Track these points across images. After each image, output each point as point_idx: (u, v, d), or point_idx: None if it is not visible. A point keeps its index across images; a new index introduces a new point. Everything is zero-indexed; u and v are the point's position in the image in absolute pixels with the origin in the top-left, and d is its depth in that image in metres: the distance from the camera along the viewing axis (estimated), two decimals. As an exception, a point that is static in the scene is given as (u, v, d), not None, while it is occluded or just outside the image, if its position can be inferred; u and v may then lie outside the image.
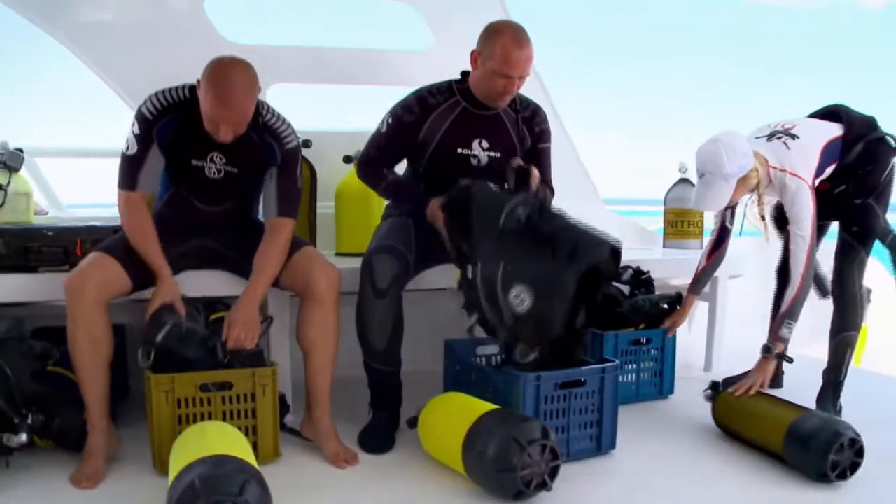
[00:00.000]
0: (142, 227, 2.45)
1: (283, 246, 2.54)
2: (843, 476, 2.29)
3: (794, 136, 2.78)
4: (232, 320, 2.40)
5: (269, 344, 2.48)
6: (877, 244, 2.90)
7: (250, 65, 2.38)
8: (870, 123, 2.87)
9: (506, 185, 2.65)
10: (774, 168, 2.73)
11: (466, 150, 2.76)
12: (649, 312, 3.12)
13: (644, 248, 3.99)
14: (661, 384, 3.09)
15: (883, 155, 2.83)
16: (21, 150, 3.07)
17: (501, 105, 2.74)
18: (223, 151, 2.49)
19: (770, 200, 2.86)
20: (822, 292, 3.06)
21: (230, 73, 2.32)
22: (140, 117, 2.42)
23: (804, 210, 2.68)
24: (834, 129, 2.83)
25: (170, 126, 2.42)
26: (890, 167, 2.86)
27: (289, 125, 2.55)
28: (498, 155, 2.79)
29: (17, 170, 3.06)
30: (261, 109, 2.48)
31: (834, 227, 3.00)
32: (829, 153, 2.79)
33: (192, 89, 2.42)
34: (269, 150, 2.52)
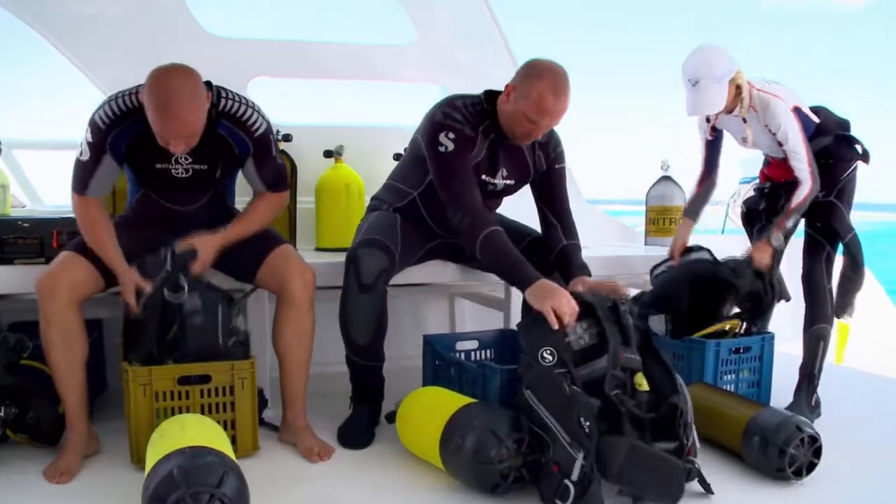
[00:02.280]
0: (94, 229, 2.43)
1: (272, 207, 2.62)
2: (798, 474, 2.30)
3: (772, 83, 2.95)
4: (197, 241, 2.44)
5: (249, 339, 2.50)
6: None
7: (190, 69, 2.31)
8: (842, 124, 3.02)
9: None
10: (759, 90, 2.88)
11: (490, 177, 2.72)
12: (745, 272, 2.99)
13: (625, 245, 4.03)
14: (758, 394, 2.96)
15: (845, 152, 2.97)
16: (-1, 142, 3.05)
17: (524, 143, 2.68)
18: (188, 151, 2.41)
19: (754, 133, 2.95)
20: (780, 296, 3.12)
21: (168, 82, 2.24)
22: (93, 126, 2.38)
23: (789, 124, 2.84)
24: (807, 108, 2.98)
25: (125, 135, 2.38)
26: (851, 168, 2.98)
27: (254, 110, 2.48)
28: (513, 182, 2.77)
29: (-8, 162, 3.05)
30: (219, 99, 2.43)
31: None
32: (801, 119, 2.90)
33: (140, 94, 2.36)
34: (238, 141, 2.49)
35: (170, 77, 2.25)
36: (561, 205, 2.83)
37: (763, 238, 2.93)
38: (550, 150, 2.80)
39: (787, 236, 2.95)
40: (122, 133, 2.37)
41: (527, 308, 2.42)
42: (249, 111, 2.47)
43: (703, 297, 3.02)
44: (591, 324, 2.32)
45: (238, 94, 2.49)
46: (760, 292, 2.95)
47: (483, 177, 2.69)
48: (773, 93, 2.87)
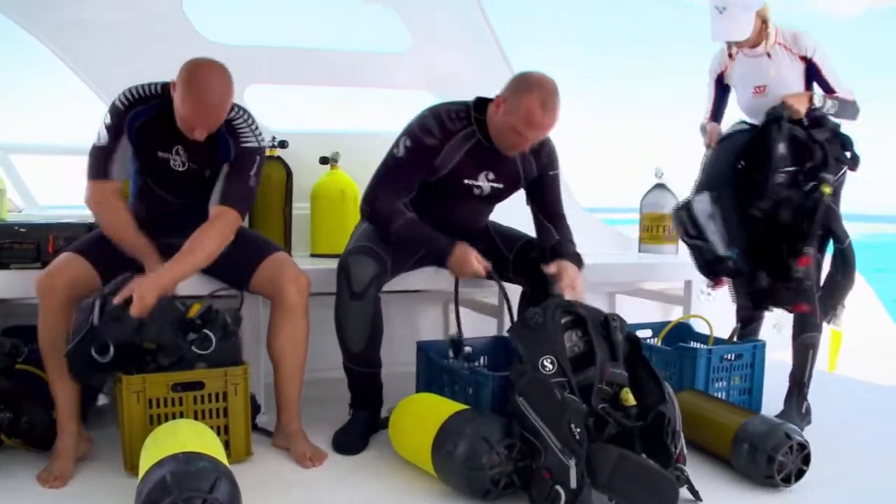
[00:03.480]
0: (116, 216, 2.48)
1: (220, 231, 2.48)
2: (787, 481, 2.32)
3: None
4: (136, 283, 2.32)
5: (241, 344, 2.51)
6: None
7: (226, 67, 2.42)
8: (838, 125, 2.99)
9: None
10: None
11: (473, 181, 2.75)
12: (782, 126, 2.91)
13: (620, 252, 4.05)
14: (750, 401, 2.95)
15: (838, 150, 2.94)
16: (-4, 147, 3.07)
17: (510, 154, 2.72)
18: (185, 146, 2.51)
19: (777, 69, 2.96)
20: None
21: (208, 76, 2.37)
22: (113, 109, 2.47)
23: (822, 45, 2.92)
24: None
25: (140, 116, 2.47)
26: (842, 172, 2.96)
27: (251, 125, 2.56)
28: (501, 186, 2.80)
29: (-10, 167, 3.07)
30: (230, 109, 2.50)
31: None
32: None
33: (165, 86, 2.47)
34: (223, 145, 2.53)
35: (210, 68, 2.39)
36: (555, 209, 2.87)
37: (808, 91, 2.94)
38: (543, 157, 2.82)
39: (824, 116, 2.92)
40: (137, 115, 2.47)
41: (521, 312, 2.45)
42: (243, 122, 2.55)
43: (747, 169, 2.97)
44: (583, 334, 2.33)
45: (243, 108, 2.56)
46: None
47: (465, 181, 2.74)
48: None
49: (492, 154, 2.72)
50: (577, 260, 2.73)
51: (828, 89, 2.94)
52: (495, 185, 2.79)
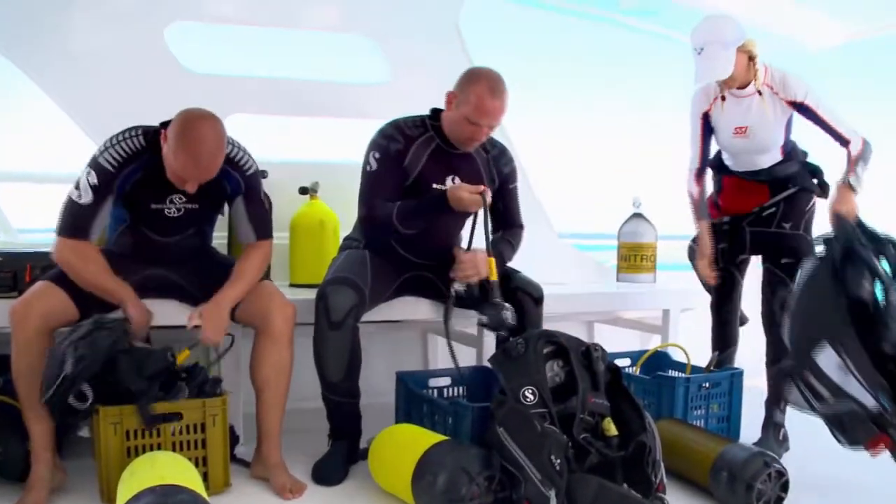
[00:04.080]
0: (90, 267, 2.44)
1: (263, 260, 2.66)
2: None
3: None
4: (203, 314, 2.46)
5: (220, 371, 2.50)
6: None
7: (219, 120, 2.44)
8: (805, 154, 3.02)
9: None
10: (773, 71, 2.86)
11: (441, 185, 2.80)
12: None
13: (597, 281, 4.08)
14: (728, 428, 2.98)
15: (808, 183, 2.96)
16: (-27, 177, 3.05)
17: (469, 149, 2.82)
18: (184, 192, 2.51)
19: (767, 111, 2.87)
20: (741, 321, 3.16)
21: (202, 131, 2.37)
22: (99, 169, 2.43)
23: (813, 87, 2.82)
24: None
25: (132, 175, 2.46)
26: (812, 202, 2.97)
27: (246, 152, 2.62)
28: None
29: (-33, 197, 3.05)
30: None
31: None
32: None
33: (149, 136, 2.46)
34: (231, 180, 2.58)
35: (204, 124, 2.39)
36: (513, 219, 3.00)
37: (843, 186, 2.75)
38: (504, 166, 2.95)
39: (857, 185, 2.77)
40: (129, 174, 2.46)
41: (502, 341, 2.47)
42: (241, 153, 2.60)
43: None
44: (564, 363, 2.35)
45: (231, 139, 2.57)
46: None
47: (434, 185, 2.80)
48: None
49: (454, 157, 2.82)
50: (499, 258, 2.76)
51: (828, 130, 2.85)
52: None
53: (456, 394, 2.89)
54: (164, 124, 2.44)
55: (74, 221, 2.45)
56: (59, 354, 2.24)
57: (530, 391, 2.25)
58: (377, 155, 2.76)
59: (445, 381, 2.90)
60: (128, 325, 2.39)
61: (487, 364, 2.56)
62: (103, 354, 2.26)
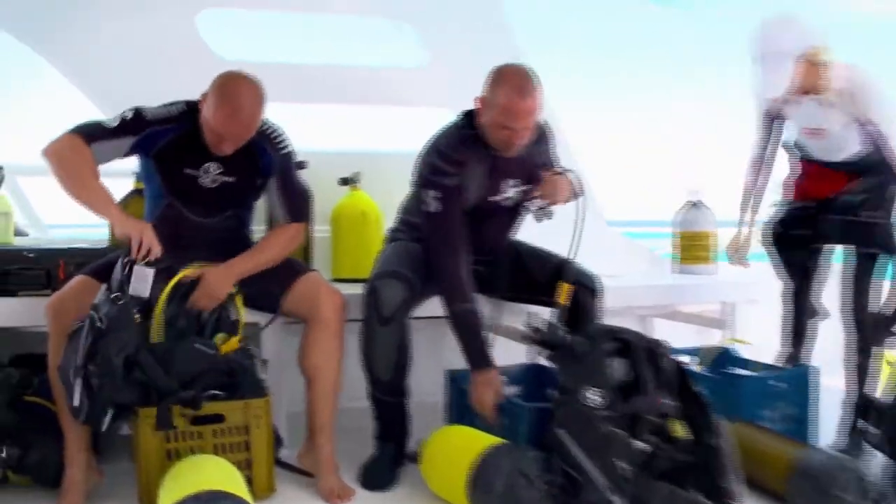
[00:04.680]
0: (82, 167, 2.42)
1: (289, 240, 2.65)
2: None
3: None
4: (205, 272, 2.43)
5: (265, 369, 2.45)
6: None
7: (258, 81, 2.47)
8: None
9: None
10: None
11: (496, 195, 2.73)
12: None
13: (651, 272, 3.98)
14: (801, 431, 2.83)
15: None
16: (1, 168, 3.05)
17: (511, 154, 2.64)
18: (219, 160, 2.53)
19: (839, 122, 2.73)
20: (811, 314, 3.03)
21: (241, 89, 2.42)
22: (136, 112, 2.48)
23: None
24: None
25: (166, 134, 2.49)
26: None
27: (282, 133, 2.64)
28: (528, 187, 2.77)
29: (-4, 188, 3.01)
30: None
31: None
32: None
33: (190, 104, 2.51)
34: (265, 157, 2.60)
35: (243, 80, 2.46)
36: None
37: None
38: (545, 144, 2.81)
39: None
40: (159, 133, 2.49)
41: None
42: (277, 131, 2.63)
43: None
44: (628, 361, 2.25)
45: (265, 118, 2.58)
46: None
47: (489, 198, 2.71)
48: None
49: (505, 162, 2.68)
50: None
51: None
52: (519, 187, 2.76)
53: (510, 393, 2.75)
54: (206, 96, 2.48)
55: (88, 127, 2.47)
56: (68, 383, 2.16)
57: (594, 391, 2.17)
58: (437, 194, 2.60)
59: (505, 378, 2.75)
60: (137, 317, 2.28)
61: (541, 361, 2.52)
62: (120, 376, 2.16)
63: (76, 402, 2.14)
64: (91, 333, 2.17)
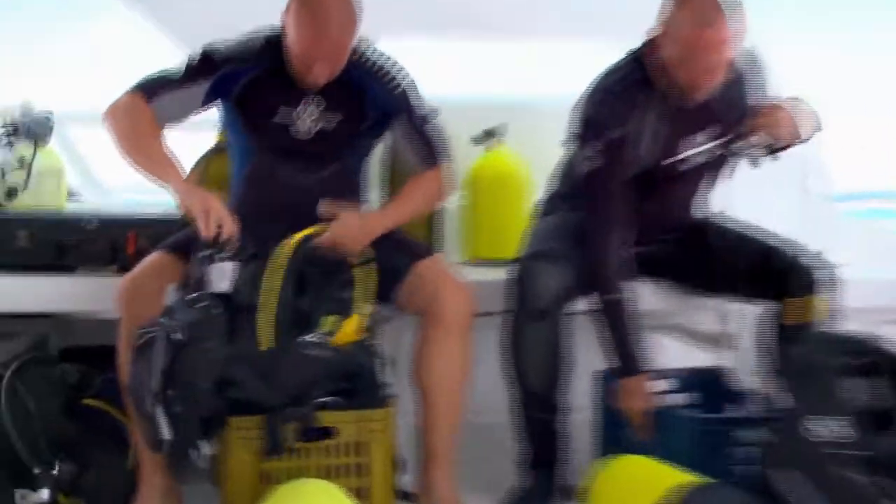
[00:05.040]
0: (142, 131, 2.46)
1: (437, 190, 2.70)
2: None
3: None
4: (342, 214, 2.43)
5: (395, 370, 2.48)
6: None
7: None
8: None
9: None
10: None
11: (674, 156, 2.64)
12: None
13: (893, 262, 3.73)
14: None
15: None
16: (50, 116, 3.05)
17: (698, 99, 2.53)
18: (313, 102, 2.55)
19: None
20: None
21: None
22: (206, 51, 2.53)
23: None
24: None
25: (244, 74, 2.52)
26: None
27: (394, 64, 2.64)
28: (722, 139, 2.67)
29: (44, 141, 3.02)
30: (361, 46, 2.56)
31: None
32: None
33: (268, 38, 2.54)
34: (371, 91, 2.60)
35: None
36: None
37: None
38: (752, 83, 2.69)
39: None
40: (240, 72, 2.52)
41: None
42: (384, 62, 2.62)
43: None
44: (877, 382, 2.12)
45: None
46: None
47: (664, 161, 2.63)
48: None
49: (687, 113, 2.59)
50: None
51: None
52: (710, 143, 2.66)
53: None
54: None
55: (150, 82, 2.51)
56: (146, 414, 2.09)
57: (827, 420, 2.06)
58: (595, 148, 2.57)
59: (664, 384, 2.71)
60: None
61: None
62: (210, 401, 2.11)
63: (162, 436, 2.09)
64: (168, 349, 2.10)
